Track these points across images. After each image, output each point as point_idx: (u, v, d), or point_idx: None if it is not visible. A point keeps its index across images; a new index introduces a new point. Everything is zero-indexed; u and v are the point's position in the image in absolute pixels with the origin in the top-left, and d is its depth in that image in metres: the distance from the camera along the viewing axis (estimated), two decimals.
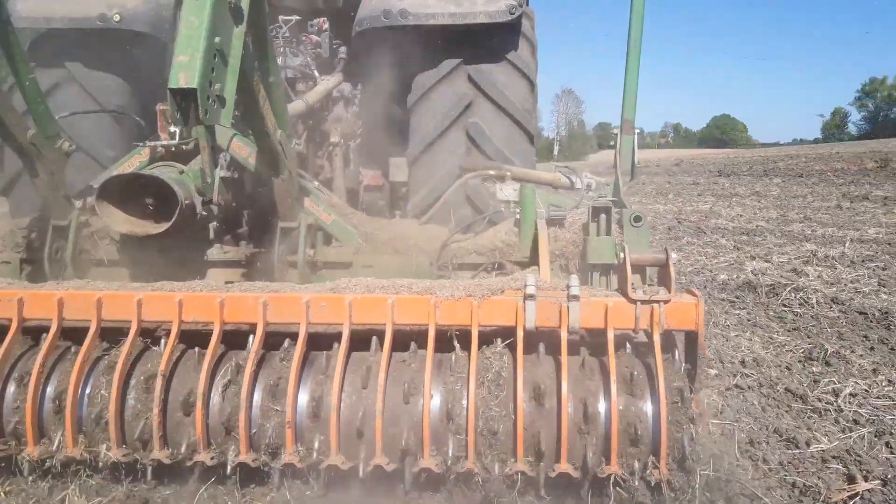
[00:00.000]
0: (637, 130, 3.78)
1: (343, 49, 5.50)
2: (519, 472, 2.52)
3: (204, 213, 3.35)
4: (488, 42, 4.66)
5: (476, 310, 2.72)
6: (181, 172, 3.53)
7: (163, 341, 2.82)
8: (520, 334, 2.68)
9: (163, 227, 3.31)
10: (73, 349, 2.89)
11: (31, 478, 2.75)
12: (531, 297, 2.68)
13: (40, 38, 4.78)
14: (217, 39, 2.45)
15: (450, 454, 2.57)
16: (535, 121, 4.74)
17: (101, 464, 2.69)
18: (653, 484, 2.51)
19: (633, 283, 2.72)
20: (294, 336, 2.80)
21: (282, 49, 5.06)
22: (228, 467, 2.63)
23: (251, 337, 2.76)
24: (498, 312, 2.74)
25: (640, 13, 3.72)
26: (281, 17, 5.25)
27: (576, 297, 2.67)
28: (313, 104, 4.84)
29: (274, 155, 3.13)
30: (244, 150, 3.83)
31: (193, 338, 2.88)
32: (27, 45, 4.89)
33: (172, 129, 3.78)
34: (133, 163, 3.91)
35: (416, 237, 3.73)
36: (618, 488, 2.49)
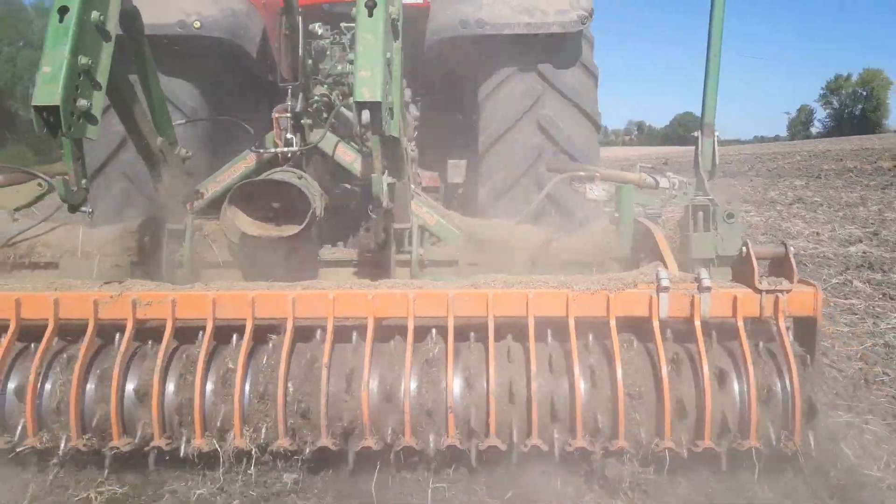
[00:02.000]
0: (717, 133, 4.07)
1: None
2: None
3: (374, 216, 3.58)
4: (557, 49, 4.93)
5: (612, 302, 2.99)
6: (300, 178, 3.75)
7: (319, 333, 3.04)
8: (655, 325, 2.95)
9: (294, 230, 3.52)
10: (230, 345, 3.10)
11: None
12: (665, 288, 2.95)
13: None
14: (388, 55, 2.69)
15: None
16: (598, 112, 5.00)
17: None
18: (789, 454, 2.81)
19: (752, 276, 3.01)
20: (439, 328, 3.05)
21: (347, 55, 5.27)
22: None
23: (407, 329, 2.99)
24: (632, 304, 3.01)
25: (720, 17, 3.96)
26: (343, 24, 5.45)
27: (707, 289, 2.95)
28: None
29: (398, 159, 3.37)
30: (349, 156, 4.07)
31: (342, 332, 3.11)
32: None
33: (289, 135, 4.00)
34: (239, 168, 4.12)
35: (517, 236, 3.99)
36: None
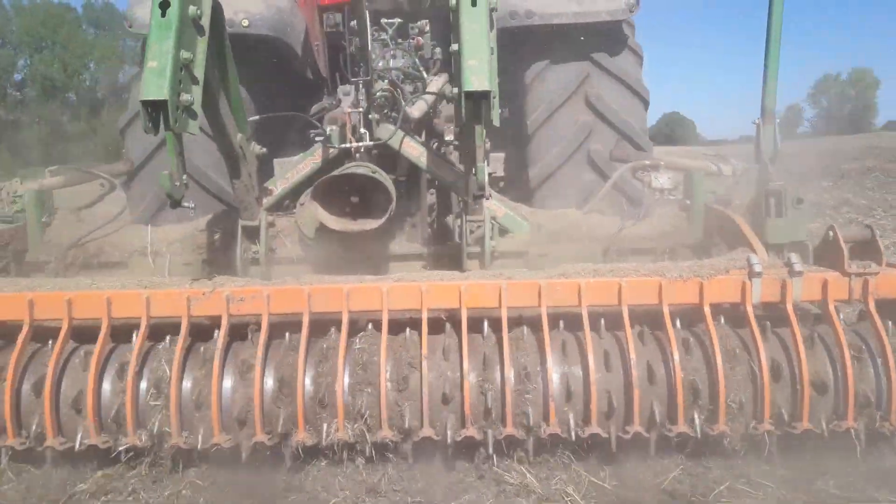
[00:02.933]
0: (777, 119, 4.15)
1: (438, 50, 5.75)
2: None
3: (475, 206, 3.63)
4: (605, 38, 4.98)
5: (706, 288, 3.05)
6: (374, 172, 3.79)
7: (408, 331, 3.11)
8: (749, 310, 3.02)
9: (375, 223, 3.57)
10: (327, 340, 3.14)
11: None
12: (758, 274, 3.02)
13: None
14: (492, 45, 2.73)
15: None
16: (645, 89, 5.06)
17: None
18: (888, 435, 2.88)
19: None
20: (530, 320, 3.11)
21: (390, 51, 5.30)
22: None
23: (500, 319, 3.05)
24: (725, 290, 3.07)
25: (780, 4, 4.03)
26: (383, 20, 5.48)
27: (799, 273, 3.02)
28: (432, 104, 5.10)
29: (472, 151, 3.42)
30: (415, 150, 4.11)
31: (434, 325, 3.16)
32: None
33: (363, 130, 4.04)
34: (307, 164, 4.16)
35: (585, 225, 4.05)
36: None
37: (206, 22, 3.00)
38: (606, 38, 4.99)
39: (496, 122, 2.76)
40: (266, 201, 4.05)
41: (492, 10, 2.84)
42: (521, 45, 4.89)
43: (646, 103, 5.04)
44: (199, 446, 2.97)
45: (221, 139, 3.45)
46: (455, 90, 2.73)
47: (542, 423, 2.95)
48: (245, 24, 4.66)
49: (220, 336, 3.06)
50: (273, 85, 5.30)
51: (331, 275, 3.50)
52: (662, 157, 4.47)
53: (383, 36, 5.42)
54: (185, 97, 2.75)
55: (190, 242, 3.98)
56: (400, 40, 5.39)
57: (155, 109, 2.65)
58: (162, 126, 2.69)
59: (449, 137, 5.35)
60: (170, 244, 3.97)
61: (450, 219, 4.37)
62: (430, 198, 4.86)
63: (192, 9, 2.86)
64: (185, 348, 3.09)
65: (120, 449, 2.96)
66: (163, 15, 2.74)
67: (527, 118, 5.03)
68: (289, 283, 3.21)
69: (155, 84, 2.64)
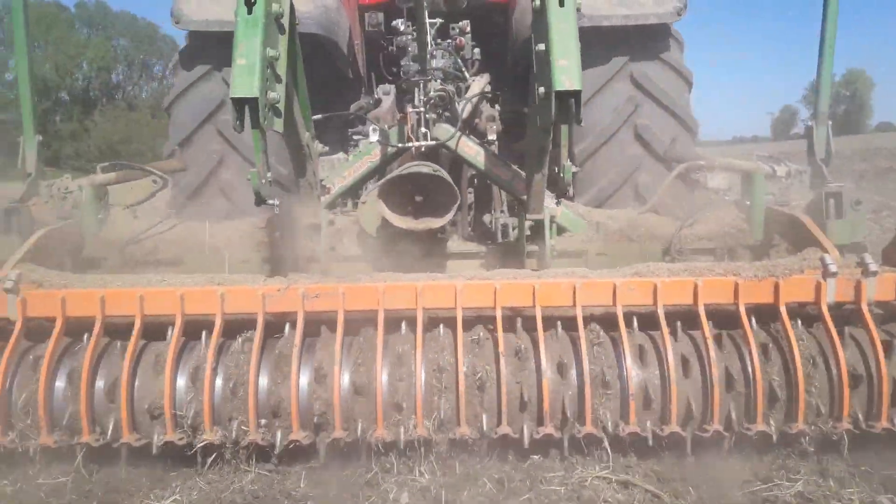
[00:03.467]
0: (830, 122, 4.20)
1: (477, 50, 5.79)
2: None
3: (535, 205, 3.67)
4: (649, 42, 5.02)
5: (782, 288, 3.09)
6: (435, 171, 3.82)
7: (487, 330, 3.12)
8: (824, 309, 3.06)
9: (441, 221, 3.60)
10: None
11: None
12: (833, 273, 3.06)
13: (199, 41, 4.97)
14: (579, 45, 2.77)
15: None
16: (692, 117, 5.09)
17: None
18: None
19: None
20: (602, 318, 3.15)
21: (432, 51, 5.33)
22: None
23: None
24: (800, 290, 3.11)
25: (835, 8, 4.09)
26: (429, 21, 5.51)
27: (874, 273, 3.06)
28: (476, 104, 5.13)
29: (542, 151, 3.45)
30: (471, 150, 4.14)
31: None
32: (187, 48, 5.08)
33: (424, 129, 4.07)
34: (364, 163, 4.18)
35: (644, 225, 4.08)
36: None
37: (286, 21, 3.02)
38: (656, 45, 5.03)
39: (579, 122, 2.79)
40: (323, 200, 4.06)
41: (579, 8, 2.86)
42: None
43: (692, 131, 5.00)
44: (276, 443, 2.98)
45: (291, 137, 3.46)
46: (541, 90, 2.76)
47: (619, 423, 2.98)
48: (295, 23, 4.68)
49: (298, 333, 3.07)
50: (317, 83, 5.33)
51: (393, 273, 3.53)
52: (716, 158, 4.51)
53: (412, 36, 5.46)
54: (272, 95, 2.77)
55: (248, 240, 4.00)
56: (439, 40, 5.43)
57: (244, 106, 2.67)
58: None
59: (491, 137, 5.38)
60: (229, 241, 3.98)
61: (486, 217, 4.41)
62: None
63: (275, 6, 2.88)
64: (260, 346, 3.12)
65: (198, 446, 2.96)
66: (249, 12, 2.76)
67: (575, 145, 5.03)
68: (363, 280, 3.23)
69: (245, 81, 2.66)
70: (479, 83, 5.42)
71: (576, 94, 2.63)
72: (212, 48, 4.86)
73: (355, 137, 5.84)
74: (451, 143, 4.13)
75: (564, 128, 2.85)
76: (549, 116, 2.71)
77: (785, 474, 2.95)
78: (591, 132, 4.96)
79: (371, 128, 5.03)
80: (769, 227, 3.92)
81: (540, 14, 2.85)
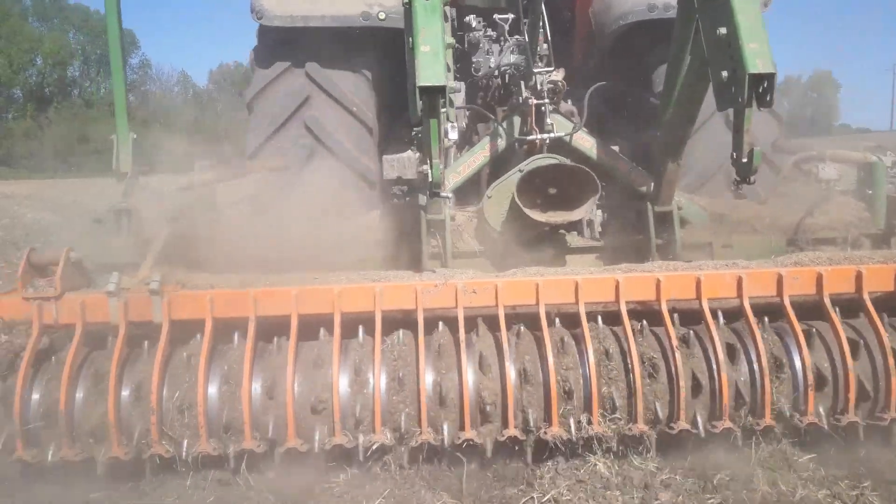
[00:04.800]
0: None
1: (545, 45, 5.78)
2: None
3: (665, 195, 3.65)
4: None
5: None
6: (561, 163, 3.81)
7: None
8: None
9: (582, 213, 3.59)
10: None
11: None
12: None
13: (278, 37, 4.89)
14: None
15: None
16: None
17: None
18: None
19: None
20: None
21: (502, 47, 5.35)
22: None
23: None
24: None
25: None
26: (496, 16, 5.50)
27: None
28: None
29: (682, 141, 3.47)
30: (587, 142, 4.15)
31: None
32: (264, 44, 4.99)
33: (549, 121, 4.05)
34: (478, 158, 4.16)
35: (767, 216, 4.13)
36: None
37: (446, 10, 3.00)
38: None
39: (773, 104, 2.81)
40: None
41: None
42: (653, 39, 4.95)
43: (780, 121, 5.05)
44: (445, 443, 2.95)
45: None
46: (724, 73, 2.76)
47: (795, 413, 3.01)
48: (381, 17, 4.64)
49: (461, 329, 3.04)
50: (393, 78, 5.30)
51: (506, 268, 3.51)
52: (826, 149, 4.58)
53: (490, 32, 5.45)
54: (451, 84, 2.74)
55: (364, 238, 3.95)
56: (518, 37, 5.42)
57: (431, 94, 2.62)
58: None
59: None
60: (343, 239, 3.92)
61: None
62: None
63: None
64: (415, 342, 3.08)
65: (367, 447, 2.91)
66: None
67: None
68: (519, 276, 3.21)
69: (432, 69, 2.61)
70: (556, 77, 5.42)
71: (769, 77, 2.64)
72: (292, 44, 4.79)
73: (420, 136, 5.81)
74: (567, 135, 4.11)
75: (749, 111, 2.86)
76: (734, 100, 2.72)
77: None
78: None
79: (450, 125, 4.99)
80: (890, 216, 4.00)
81: None
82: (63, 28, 63.40)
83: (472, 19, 5.41)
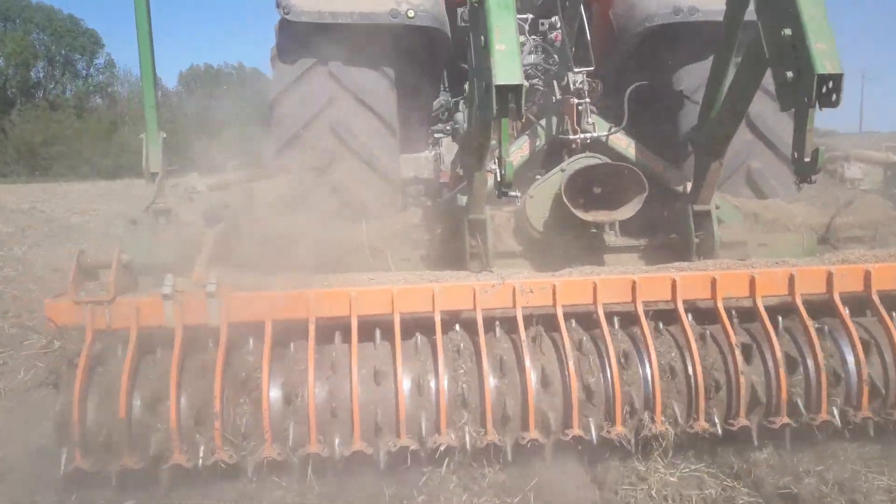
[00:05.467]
0: None
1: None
2: None
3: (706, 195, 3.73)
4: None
5: None
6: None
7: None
8: None
9: (630, 212, 3.64)
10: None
11: None
12: None
13: (303, 33, 4.87)
14: None
15: None
16: None
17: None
18: None
19: None
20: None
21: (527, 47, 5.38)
22: None
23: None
24: None
25: None
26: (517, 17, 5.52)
27: None
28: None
29: (724, 141, 3.53)
30: (623, 142, 4.20)
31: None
32: (288, 41, 4.96)
33: (591, 120, 4.08)
34: (515, 157, 4.18)
35: (799, 215, 4.21)
36: None
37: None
38: None
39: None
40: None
41: None
42: (688, 42, 5.01)
43: None
44: (507, 445, 2.97)
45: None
46: (790, 74, 2.82)
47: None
48: (410, 16, 4.64)
49: (520, 328, 3.06)
50: (418, 76, 5.31)
51: (549, 269, 3.54)
52: (852, 150, 4.69)
53: (527, 36, 5.47)
54: (525, 82, 2.75)
55: (406, 237, 3.95)
56: (534, 37, 5.46)
57: (508, 94, 2.63)
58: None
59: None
60: (387, 240, 3.93)
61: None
62: None
63: None
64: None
65: (434, 448, 2.91)
66: None
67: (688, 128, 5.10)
68: (575, 275, 3.24)
69: (509, 68, 2.63)
70: (581, 77, 5.46)
71: (836, 78, 2.70)
72: (317, 41, 4.77)
73: (436, 136, 5.83)
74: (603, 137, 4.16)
75: (812, 112, 2.91)
76: (798, 100, 2.77)
77: None
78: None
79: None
80: None
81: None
82: (26, 28, 62.07)
83: None
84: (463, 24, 5.51)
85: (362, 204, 4.60)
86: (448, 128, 5.74)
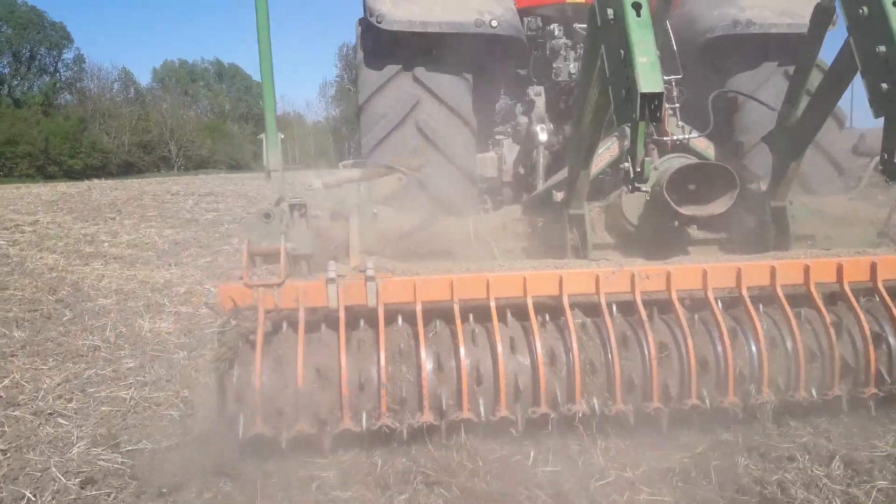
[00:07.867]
0: None
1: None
2: None
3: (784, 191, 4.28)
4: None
5: None
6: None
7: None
8: None
9: (725, 206, 4.16)
10: None
11: None
12: None
13: (390, 40, 5.32)
14: None
15: None
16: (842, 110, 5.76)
17: None
18: None
19: None
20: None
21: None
22: None
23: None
24: None
25: None
26: (576, 25, 6.03)
27: None
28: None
29: (805, 143, 4.06)
30: (702, 143, 4.72)
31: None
32: (376, 47, 5.42)
33: (680, 123, 4.59)
34: (604, 158, 4.67)
35: (860, 211, 4.76)
36: None
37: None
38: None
39: None
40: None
41: None
42: (745, 54, 5.53)
43: (841, 125, 5.62)
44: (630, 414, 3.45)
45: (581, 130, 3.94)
46: (885, 86, 3.32)
47: None
48: (494, 25, 5.12)
49: (640, 312, 3.54)
50: (492, 82, 5.79)
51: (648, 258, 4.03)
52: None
53: (566, 40, 5.98)
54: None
55: (509, 230, 4.42)
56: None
57: (650, 101, 3.10)
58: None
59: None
60: (492, 232, 4.39)
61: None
62: None
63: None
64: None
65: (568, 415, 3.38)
66: (638, 15, 3.22)
67: (741, 134, 5.62)
68: (686, 263, 3.73)
69: (651, 77, 3.09)
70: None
71: None
72: (404, 48, 5.23)
73: (497, 137, 6.31)
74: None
75: None
76: (891, 109, 3.28)
77: None
78: (755, 125, 5.59)
79: (539, 127, 5.54)
80: None
81: (876, 16, 3.38)
82: None
83: (554, 28, 5.93)
84: (529, 32, 6.03)
85: (449, 200, 5.06)
86: (509, 129, 6.23)
